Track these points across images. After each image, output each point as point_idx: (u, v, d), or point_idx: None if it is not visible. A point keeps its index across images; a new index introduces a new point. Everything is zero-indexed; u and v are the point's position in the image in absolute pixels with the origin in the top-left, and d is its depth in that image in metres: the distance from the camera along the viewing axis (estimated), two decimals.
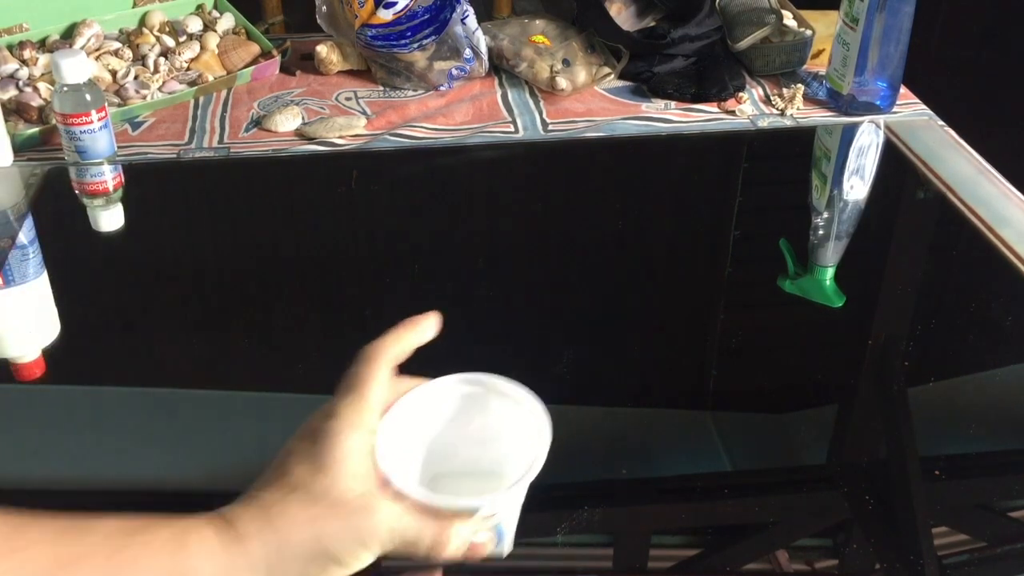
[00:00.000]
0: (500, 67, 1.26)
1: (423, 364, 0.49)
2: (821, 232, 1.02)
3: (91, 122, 1.01)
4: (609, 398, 0.84)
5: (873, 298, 0.97)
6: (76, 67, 0.98)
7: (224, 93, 1.21)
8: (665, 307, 0.98)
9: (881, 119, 1.18)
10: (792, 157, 1.18)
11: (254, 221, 1.09)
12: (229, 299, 1.00)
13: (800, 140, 1.18)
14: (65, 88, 0.99)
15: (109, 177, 1.04)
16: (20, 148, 1.06)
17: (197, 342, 0.91)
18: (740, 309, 0.96)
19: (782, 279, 0.95)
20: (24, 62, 1.16)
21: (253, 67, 1.22)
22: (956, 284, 1.01)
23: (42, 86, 1.13)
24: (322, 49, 1.24)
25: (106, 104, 1.02)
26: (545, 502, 0.70)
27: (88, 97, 1.00)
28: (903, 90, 1.21)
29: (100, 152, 1.03)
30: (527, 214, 1.11)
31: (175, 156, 1.09)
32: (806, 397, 0.85)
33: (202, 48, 1.23)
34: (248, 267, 1.03)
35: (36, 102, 1.12)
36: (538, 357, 0.88)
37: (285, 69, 1.25)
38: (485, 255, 1.03)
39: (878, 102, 1.18)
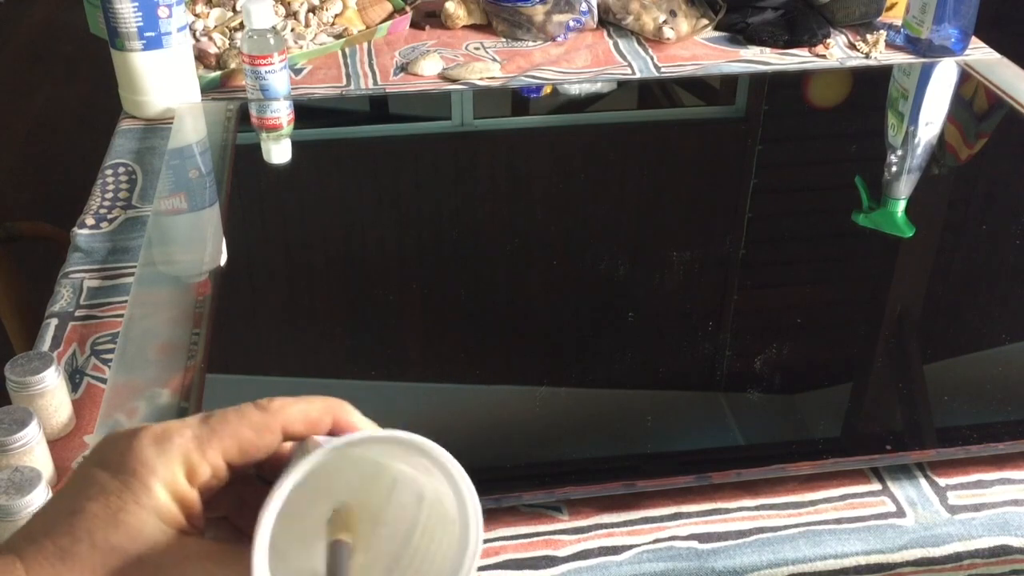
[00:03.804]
0: (607, 20, 1.38)
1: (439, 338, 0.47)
2: (895, 168, 1.09)
3: (272, 63, 1.12)
4: (621, 380, 0.85)
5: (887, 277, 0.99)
6: (263, 14, 1.09)
7: (365, 45, 1.34)
8: (678, 289, 0.97)
9: (960, 60, 1.28)
10: (805, 139, 1.23)
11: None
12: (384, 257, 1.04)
13: (818, 123, 1.27)
14: (252, 33, 1.10)
15: (284, 114, 1.16)
16: (204, 90, 1.18)
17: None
18: (753, 290, 0.97)
19: (856, 213, 1.02)
20: (197, 15, 1.29)
21: (390, 22, 1.35)
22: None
23: (216, 36, 1.27)
24: (450, 5, 1.37)
25: (286, 48, 1.15)
26: (560, 476, 0.72)
27: (271, 41, 1.11)
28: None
29: (279, 91, 1.14)
30: (541, 198, 1.12)
31: (339, 95, 1.22)
32: (820, 377, 0.86)
33: (344, 6, 1.36)
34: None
35: (212, 50, 1.25)
36: (549, 340, 0.89)
37: (415, 24, 1.38)
38: (497, 240, 1.04)
39: (951, 46, 1.28)
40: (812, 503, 0.71)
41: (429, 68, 1.26)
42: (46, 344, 0.84)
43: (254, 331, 0.91)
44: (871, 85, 1.30)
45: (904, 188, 1.07)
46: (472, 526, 0.39)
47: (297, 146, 1.16)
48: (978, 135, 1.20)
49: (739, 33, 1.36)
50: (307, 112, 1.20)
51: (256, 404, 0.40)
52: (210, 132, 1.12)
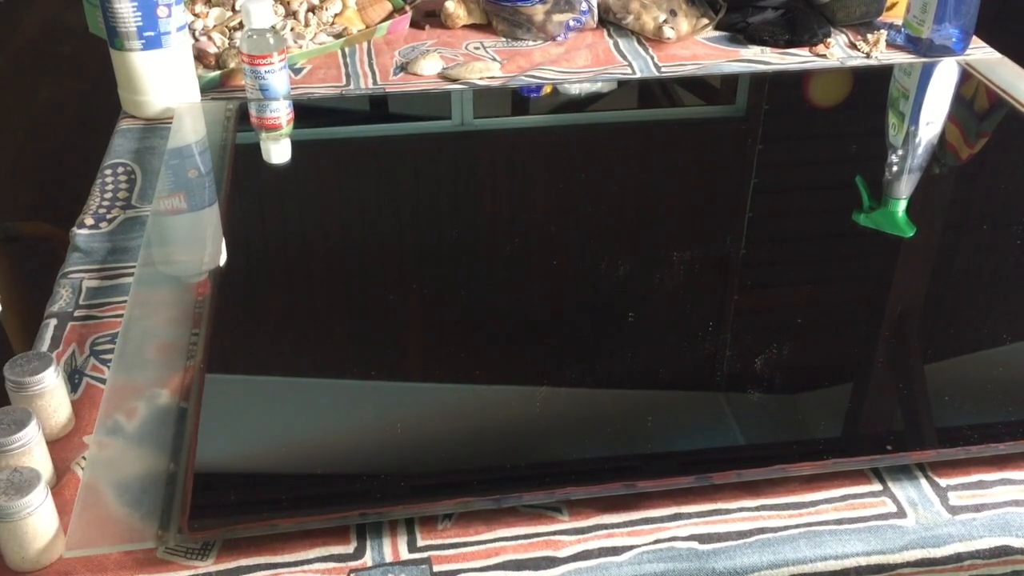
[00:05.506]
0: (607, 20, 1.39)
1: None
2: (896, 167, 1.10)
3: (272, 63, 1.12)
4: (621, 380, 0.84)
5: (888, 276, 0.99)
6: (262, 13, 1.10)
7: (365, 45, 1.34)
8: (678, 289, 0.97)
9: (960, 59, 1.28)
10: (805, 139, 1.23)
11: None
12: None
13: (818, 122, 1.27)
14: (252, 33, 1.11)
15: (283, 113, 1.16)
16: (203, 89, 1.18)
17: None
18: (753, 290, 0.97)
19: (857, 213, 1.02)
20: (196, 15, 1.30)
21: (389, 22, 1.35)
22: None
23: (216, 36, 1.27)
24: (450, 5, 1.37)
25: (285, 48, 1.16)
26: (560, 476, 0.72)
27: (271, 40, 1.12)
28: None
29: (278, 90, 1.15)
30: (541, 197, 1.12)
31: (339, 95, 1.22)
32: (820, 377, 0.85)
33: (344, 5, 1.37)
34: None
35: (212, 49, 1.25)
36: (549, 340, 0.88)
37: (414, 24, 1.39)
38: (496, 240, 1.04)
39: (952, 46, 1.28)
40: (813, 503, 0.71)
41: (429, 68, 1.26)
42: (45, 344, 0.83)
43: (254, 331, 0.91)
44: (872, 85, 1.30)
45: (905, 188, 1.07)
46: None
47: (297, 146, 1.16)
48: (979, 135, 1.20)
49: (739, 33, 1.37)
50: (307, 112, 1.20)
51: None
52: (209, 132, 1.12)
